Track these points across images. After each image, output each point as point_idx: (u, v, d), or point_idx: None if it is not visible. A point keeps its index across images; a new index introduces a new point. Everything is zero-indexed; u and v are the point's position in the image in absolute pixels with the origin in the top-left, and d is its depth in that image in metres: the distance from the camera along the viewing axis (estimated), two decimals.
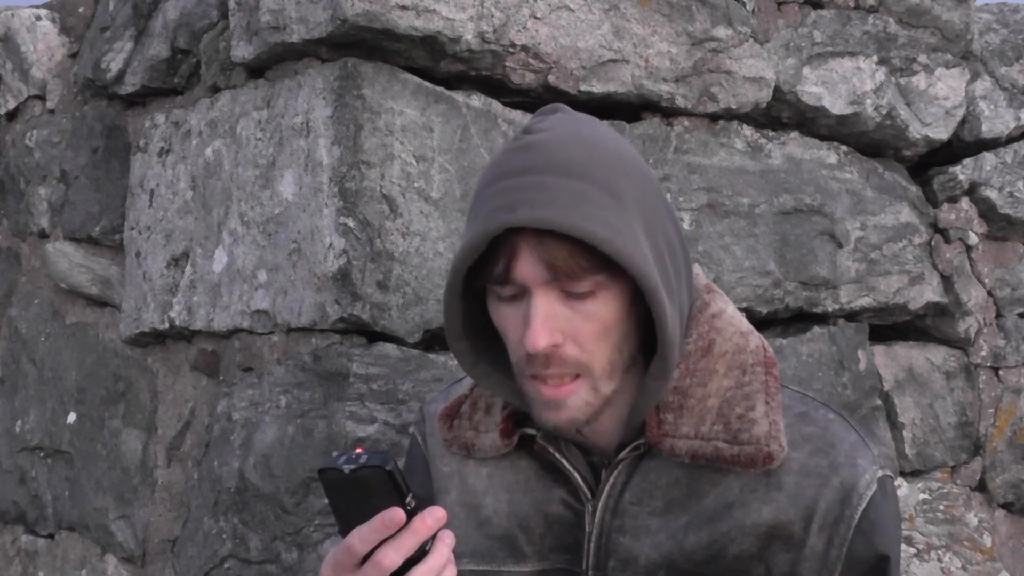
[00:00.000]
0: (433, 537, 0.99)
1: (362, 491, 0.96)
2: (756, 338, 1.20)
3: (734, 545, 1.14)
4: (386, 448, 1.69)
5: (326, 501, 1.72)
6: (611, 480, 1.18)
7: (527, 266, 1.08)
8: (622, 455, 1.18)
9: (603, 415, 1.17)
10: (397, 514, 0.95)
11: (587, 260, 1.07)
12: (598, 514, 1.18)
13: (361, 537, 0.97)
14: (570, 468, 1.20)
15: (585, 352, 1.11)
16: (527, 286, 1.09)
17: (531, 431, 1.21)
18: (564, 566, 1.20)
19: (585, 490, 1.19)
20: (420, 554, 0.98)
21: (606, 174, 1.10)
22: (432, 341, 1.82)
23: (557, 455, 1.20)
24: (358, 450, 0.97)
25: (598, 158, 1.11)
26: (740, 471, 1.14)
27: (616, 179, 1.11)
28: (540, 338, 1.08)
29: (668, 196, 1.86)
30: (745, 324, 1.22)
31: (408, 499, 0.97)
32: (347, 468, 0.96)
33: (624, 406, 1.18)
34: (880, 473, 1.15)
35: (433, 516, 0.97)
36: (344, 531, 0.99)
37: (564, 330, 1.10)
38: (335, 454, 0.98)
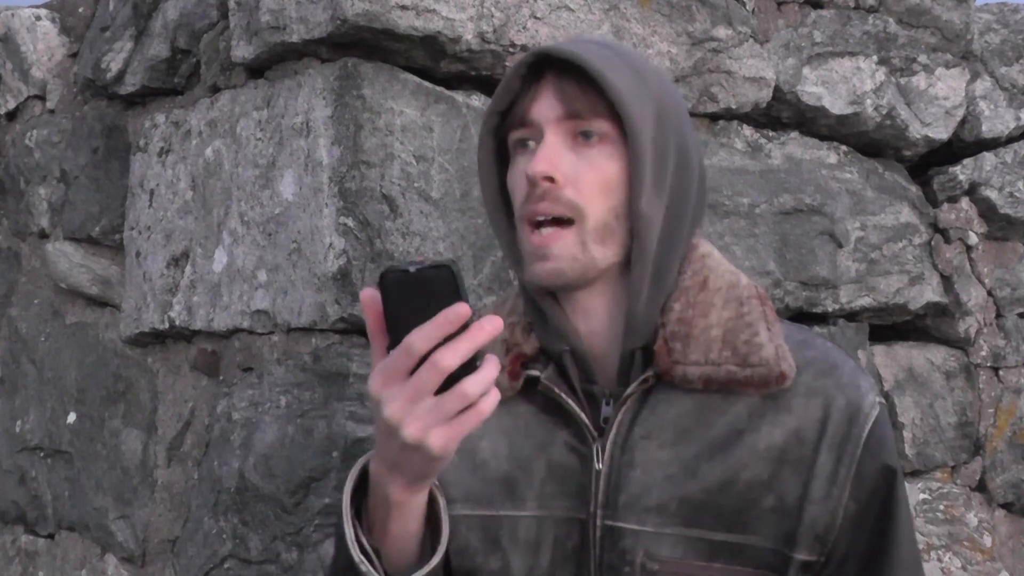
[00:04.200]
0: (482, 354, 0.96)
1: (424, 293, 0.94)
2: (745, 277, 1.25)
3: (747, 471, 1.15)
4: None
5: (326, 501, 1.73)
6: (620, 416, 1.19)
7: (544, 103, 1.16)
8: (630, 390, 1.18)
9: (595, 297, 1.20)
10: (462, 308, 0.92)
11: (600, 104, 1.15)
12: (607, 451, 1.18)
13: (423, 335, 0.93)
14: (575, 407, 1.20)
15: (582, 196, 1.15)
16: (541, 126, 1.16)
17: (535, 372, 1.22)
18: (564, 514, 1.20)
19: (591, 429, 1.19)
20: (470, 367, 0.95)
21: (638, 63, 1.21)
22: None
23: (562, 394, 1.20)
24: (420, 259, 0.95)
25: (637, 54, 1.23)
26: (748, 397, 1.17)
27: (646, 71, 1.21)
28: (539, 163, 1.14)
29: None
30: (732, 266, 1.27)
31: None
32: (412, 268, 0.93)
33: (619, 313, 1.21)
34: (878, 399, 1.20)
35: (492, 323, 0.94)
36: (396, 343, 0.95)
37: (566, 173, 1.15)
38: (395, 263, 0.95)
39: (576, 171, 1.15)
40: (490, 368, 0.96)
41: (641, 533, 1.16)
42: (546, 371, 1.22)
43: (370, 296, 0.96)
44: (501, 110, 1.21)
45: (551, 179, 1.14)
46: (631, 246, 1.18)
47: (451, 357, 0.93)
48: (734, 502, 1.15)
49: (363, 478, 1.10)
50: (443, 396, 0.94)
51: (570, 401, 1.20)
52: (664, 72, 1.25)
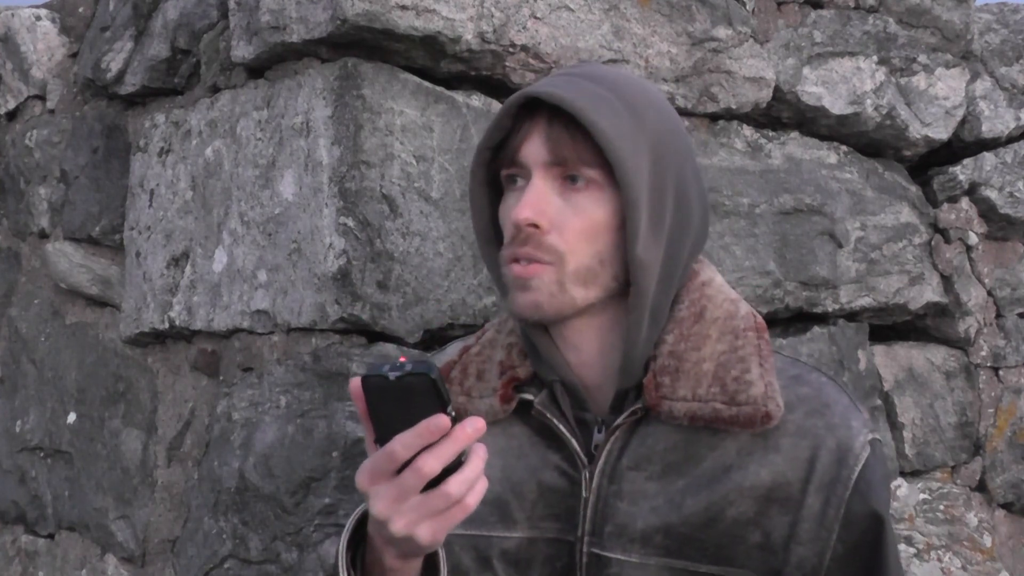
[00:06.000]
0: (468, 449, 0.99)
1: (405, 399, 0.96)
2: (745, 305, 1.23)
3: (732, 508, 1.15)
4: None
5: (326, 501, 1.73)
6: (608, 445, 1.19)
7: (532, 147, 1.15)
8: (619, 420, 1.18)
9: (585, 329, 1.19)
10: (442, 420, 0.95)
11: (588, 152, 1.13)
12: (595, 479, 1.18)
13: (404, 443, 0.96)
14: (567, 433, 1.20)
15: (565, 243, 1.15)
16: (530, 168, 1.16)
17: (529, 396, 1.22)
18: (554, 536, 1.20)
19: (582, 456, 1.19)
20: (456, 464, 0.98)
21: (634, 99, 1.17)
22: (432, 341, 1.82)
23: (554, 420, 1.20)
24: (402, 359, 0.97)
25: (636, 88, 1.19)
26: (737, 434, 1.16)
27: (644, 108, 1.17)
28: (524, 209, 1.14)
29: None
30: (733, 293, 1.25)
31: (449, 409, 0.97)
32: (392, 375, 0.96)
33: (616, 351, 1.20)
34: (871, 436, 1.18)
35: (473, 425, 0.97)
36: (382, 440, 0.99)
37: (552, 218, 1.15)
38: (378, 364, 0.98)
39: (562, 217, 1.15)
40: (475, 463, 0.99)
41: (626, 563, 1.17)
42: (539, 396, 1.22)
43: (357, 388, 0.99)
44: (492, 146, 1.20)
45: (535, 225, 1.14)
46: (616, 287, 1.18)
47: (433, 463, 0.96)
48: (719, 537, 1.15)
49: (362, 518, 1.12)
50: (428, 494, 0.98)
51: (561, 427, 1.20)
52: (662, 101, 1.22)
